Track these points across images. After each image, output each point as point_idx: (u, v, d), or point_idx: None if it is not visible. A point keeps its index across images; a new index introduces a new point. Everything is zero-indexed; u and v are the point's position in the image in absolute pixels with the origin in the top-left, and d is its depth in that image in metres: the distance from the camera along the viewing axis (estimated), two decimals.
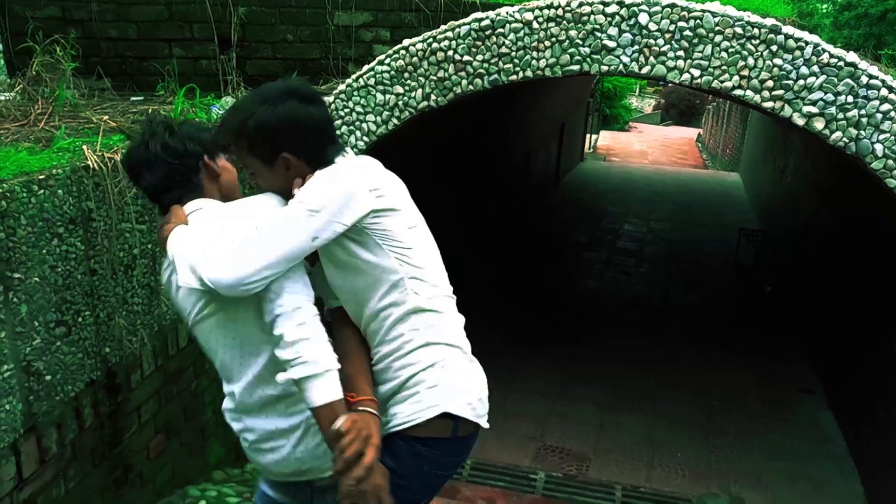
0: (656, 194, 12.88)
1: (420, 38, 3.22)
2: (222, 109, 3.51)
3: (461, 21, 3.11)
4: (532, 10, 2.97)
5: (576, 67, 3.02)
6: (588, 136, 18.14)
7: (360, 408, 1.57)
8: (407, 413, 1.68)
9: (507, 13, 3.01)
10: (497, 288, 7.45)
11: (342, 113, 3.46)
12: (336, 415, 1.52)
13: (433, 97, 3.28)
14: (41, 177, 2.16)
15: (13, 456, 2.14)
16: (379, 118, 3.42)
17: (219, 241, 1.55)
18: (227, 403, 1.78)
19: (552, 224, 10.47)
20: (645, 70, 2.97)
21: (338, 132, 3.49)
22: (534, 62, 3.04)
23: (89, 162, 2.41)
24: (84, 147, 2.52)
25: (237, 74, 3.94)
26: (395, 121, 3.42)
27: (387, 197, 1.64)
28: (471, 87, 3.19)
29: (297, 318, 1.53)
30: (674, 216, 11.22)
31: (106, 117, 3.11)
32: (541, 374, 5.48)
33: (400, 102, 3.36)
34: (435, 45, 3.17)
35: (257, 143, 1.64)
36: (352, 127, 3.48)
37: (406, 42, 3.25)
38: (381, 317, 1.67)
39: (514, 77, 3.10)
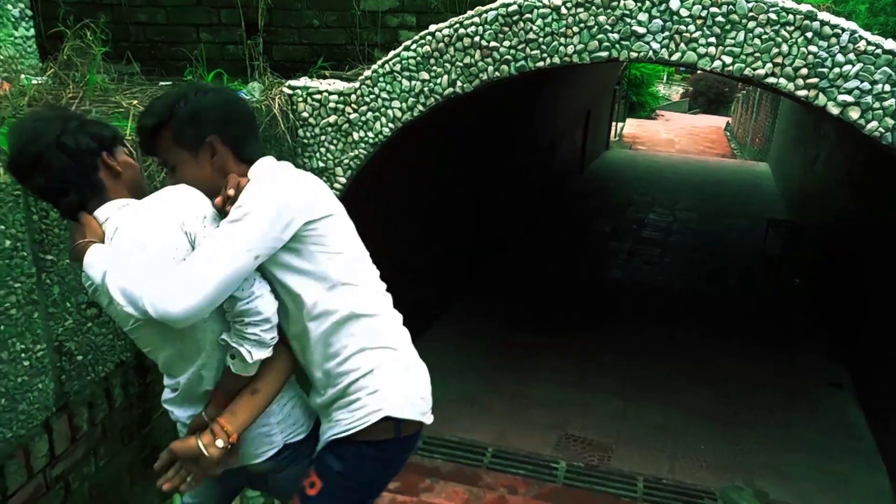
0: (682, 184, 12.72)
1: (447, 23, 3.20)
2: (249, 95, 3.52)
3: (488, 6, 3.08)
4: None
5: (604, 54, 2.98)
6: (614, 123, 17.94)
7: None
8: (350, 420, 1.74)
9: None
10: (518, 275, 7.44)
11: (367, 99, 3.46)
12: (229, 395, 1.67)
13: (459, 83, 3.26)
14: None
15: (46, 434, 2.19)
16: (405, 104, 3.41)
17: (153, 265, 1.48)
18: (167, 394, 1.79)
19: (576, 212, 10.40)
20: (675, 57, 2.92)
21: (363, 118, 3.49)
22: (561, 48, 3.01)
23: None
24: None
25: (263, 60, 3.95)
26: (420, 107, 3.40)
27: (321, 203, 1.64)
28: (497, 73, 3.17)
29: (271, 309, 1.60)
30: (700, 206, 11.07)
31: (136, 102, 3.14)
32: (562, 363, 5.46)
33: (426, 89, 3.34)
34: (462, 30, 3.14)
35: (184, 129, 1.62)
36: (377, 113, 3.47)
37: (432, 28, 3.23)
38: (316, 323, 1.67)
39: (541, 63, 3.07)
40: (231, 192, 1.58)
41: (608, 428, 4.59)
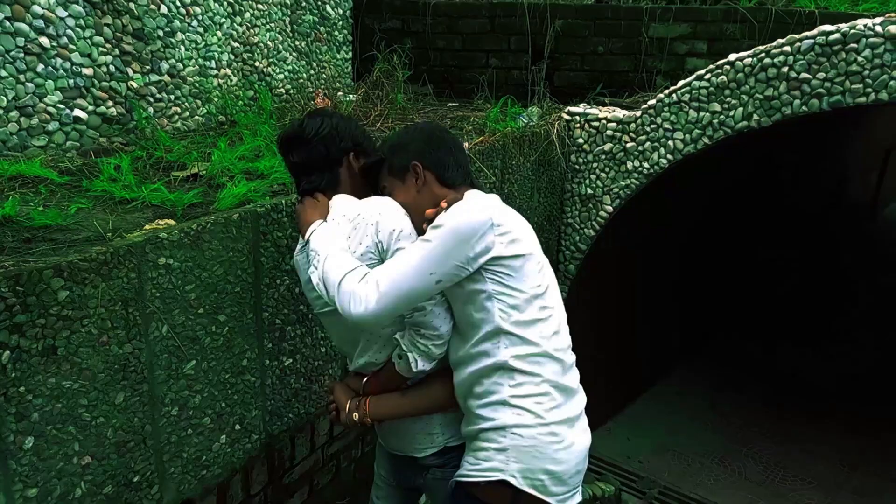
0: None
1: (749, 52, 2.97)
2: (528, 119, 3.63)
3: (803, 35, 2.79)
4: None
5: None
6: None
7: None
8: (469, 466, 1.65)
9: (864, 26, 2.63)
10: (790, 325, 6.67)
11: (648, 128, 3.35)
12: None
13: (755, 117, 3.00)
14: None
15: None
16: (688, 136, 3.24)
17: (353, 267, 1.57)
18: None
19: (863, 264, 9.04)
20: None
21: (640, 148, 3.39)
22: (892, 83, 2.61)
23: None
24: None
25: (544, 85, 4.04)
26: (705, 140, 3.21)
27: (515, 242, 1.58)
28: (804, 108, 2.85)
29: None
30: None
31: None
32: (832, 438, 4.76)
33: (715, 121, 3.14)
34: (767, 60, 2.89)
35: (393, 159, 1.75)
36: (656, 144, 3.35)
37: (732, 56, 3.02)
38: (473, 360, 1.62)
39: (862, 99, 2.70)
40: (430, 212, 1.64)
41: None
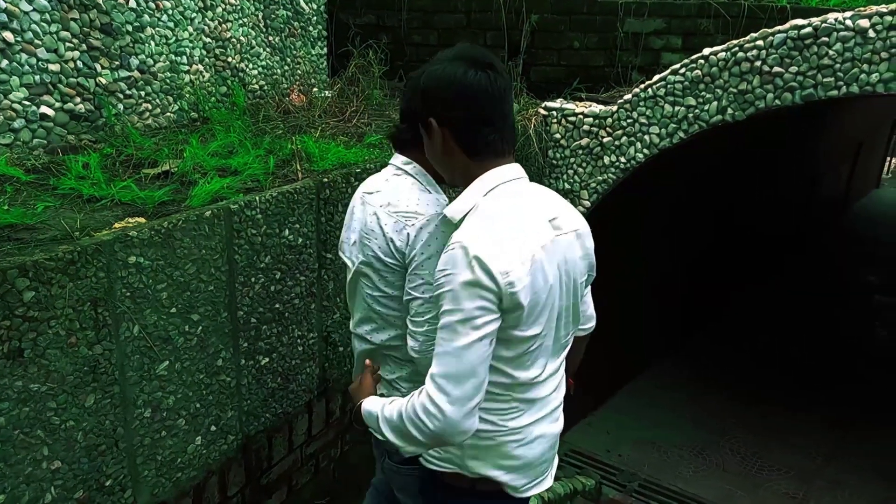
0: None
1: (723, 46, 2.99)
2: None
3: (776, 28, 2.81)
4: (870, 17, 2.57)
5: None
6: (889, 158, 15.61)
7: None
8: (432, 452, 1.60)
9: (835, 20, 2.65)
10: (768, 319, 6.76)
11: (624, 123, 3.36)
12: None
13: (730, 111, 3.02)
14: (357, 170, 2.40)
15: (307, 414, 2.43)
16: (664, 130, 3.26)
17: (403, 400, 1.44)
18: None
19: (836, 257, 9.20)
20: None
21: (617, 142, 3.40)
22: (863, 76, 2.64)
23: None
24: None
25: (521, 81, 4.03)
26: (681, 134, 3.22)
27: (517, 293, 1.34)
28: (777, 101, 2.88)
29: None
30: None
31: None
32: (810, 427, 4.84)
33: (690, 115, 3.15)
34: (740, 54, 2.91)
35: (413, 106, 1.47)
36: (632, 138, 3.36)
37: (706, 51, 3.03)
38: None
39: (833, 92, 2.72)
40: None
41: None
